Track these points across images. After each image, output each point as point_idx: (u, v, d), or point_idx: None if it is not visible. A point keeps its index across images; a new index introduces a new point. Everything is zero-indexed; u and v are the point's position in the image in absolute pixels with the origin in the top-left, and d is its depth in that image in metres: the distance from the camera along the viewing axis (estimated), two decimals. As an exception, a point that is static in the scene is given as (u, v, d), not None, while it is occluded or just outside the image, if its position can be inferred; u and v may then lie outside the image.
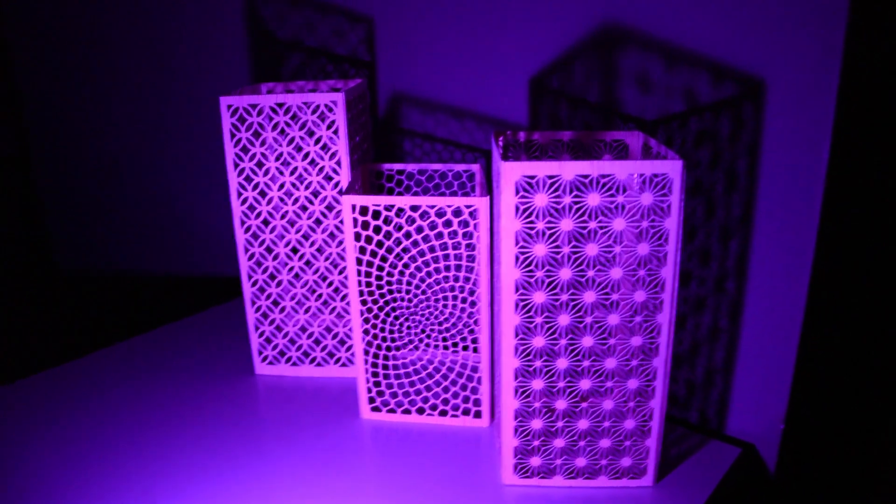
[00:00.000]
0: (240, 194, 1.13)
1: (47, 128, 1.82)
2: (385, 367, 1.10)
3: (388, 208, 0.98)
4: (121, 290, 1.74)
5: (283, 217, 1.14)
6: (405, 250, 1.02)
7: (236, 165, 1.12)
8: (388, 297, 1.05)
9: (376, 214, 0.99)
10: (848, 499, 1.11)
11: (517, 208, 0.81)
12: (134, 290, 1.73)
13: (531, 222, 0.82)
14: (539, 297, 0.85)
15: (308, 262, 1.18)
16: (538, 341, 0.87)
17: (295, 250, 1.17)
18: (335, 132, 1.09)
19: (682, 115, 1.00)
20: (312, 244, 1.15)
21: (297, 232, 1.15)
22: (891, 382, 1.05)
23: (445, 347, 1.07)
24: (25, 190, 1.84)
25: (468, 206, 0.96)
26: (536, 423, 0.91)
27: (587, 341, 0.86)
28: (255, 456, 1.01)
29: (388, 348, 1.08)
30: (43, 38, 1.74)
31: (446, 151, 1.28)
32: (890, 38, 0.94)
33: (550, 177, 0.80)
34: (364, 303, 1.03)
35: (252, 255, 1.16)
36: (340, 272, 1.17)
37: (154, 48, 1.62)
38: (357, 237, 0.99)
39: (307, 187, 1.12)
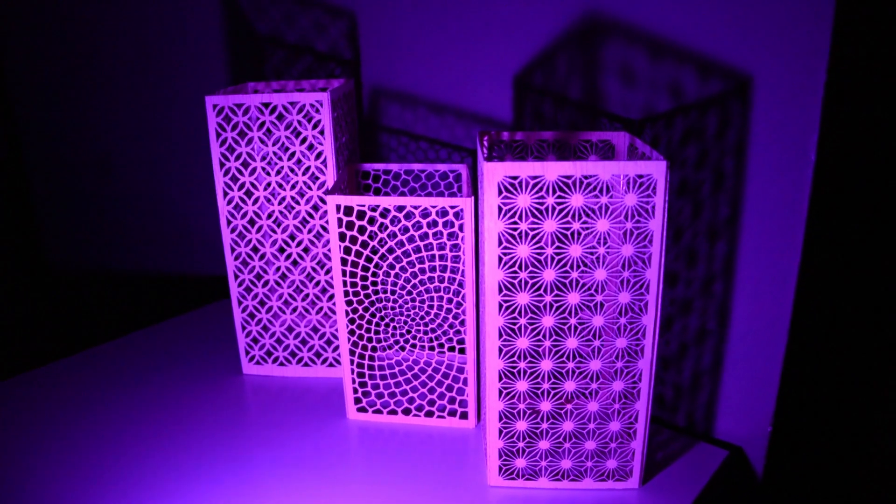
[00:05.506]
0: (226, 194, 1.12)
1: (38, 128, 1.82)
2: (371, 367, 1.10)
3: (374, 209, 0.97)
4: (110, 289, 1.73)
5: (269, 217, 1.13)
6: (390, 251, 1.01)
7: (222, 165, 1.11)
8: (374, 298, 1.05)
9: (361, 215, 0.98)
10: (836, 501, 1.11)
11: (500, 209, 0.81)
12: (123, 288, 1.73)
13: (514, 223, 0.81)
14: (523, 299, 0.84)
15: (295, 262, 1.17)
16: (522, 343, 0.86)
17: (282, 250, 1.16)
18: (321, 132, 1.08)
19: (668, 114, 0.99)
20: (299, 244, 1.15)
21: (284, 232, 1.14)
22: (879, 384, 1.05)
23: (431, 348, 1.07)
24: (16, 189, 1.84)
25: (453, 207, 0.95)
26: (521, 425, 0.90)
27: (571, 343, 0.86)
28: (242, 456, 1.00)
29: (374, 349, 1.08)
30: (32, 42, 1.74)
31: (432, 150, 1.27)
32: (877, 37, 0.93)
33: (533, 177, 0.79)
34: (350, 303, 1.02)
35: (238, 255, 1.16)
36: (327, 272, 1.16)
37: (140, 47, 1.62)
38: (342, 237, 0.99)
39: (293, 187, 1.12)
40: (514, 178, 0.80)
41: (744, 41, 0.91)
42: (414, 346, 1.06)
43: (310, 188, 1.12)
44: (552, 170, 0.79)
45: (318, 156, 1.10)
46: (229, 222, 1.14)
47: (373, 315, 1.05)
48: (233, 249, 1.15)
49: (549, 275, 0.83)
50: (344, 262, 1.00)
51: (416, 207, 0.96)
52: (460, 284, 1.00)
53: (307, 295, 1.18)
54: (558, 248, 0.82)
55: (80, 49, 1.69)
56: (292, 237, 1.15)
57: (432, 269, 1.01)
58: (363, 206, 0.97)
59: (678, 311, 1.05)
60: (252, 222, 1.15)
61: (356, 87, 1.33)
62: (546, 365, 0.87)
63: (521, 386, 0.88)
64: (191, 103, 1.56)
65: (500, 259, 0.83)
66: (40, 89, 1.78)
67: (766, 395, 1.00)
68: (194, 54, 1.56)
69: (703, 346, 1.04)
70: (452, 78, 1.20)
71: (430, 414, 1.07)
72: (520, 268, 0.83)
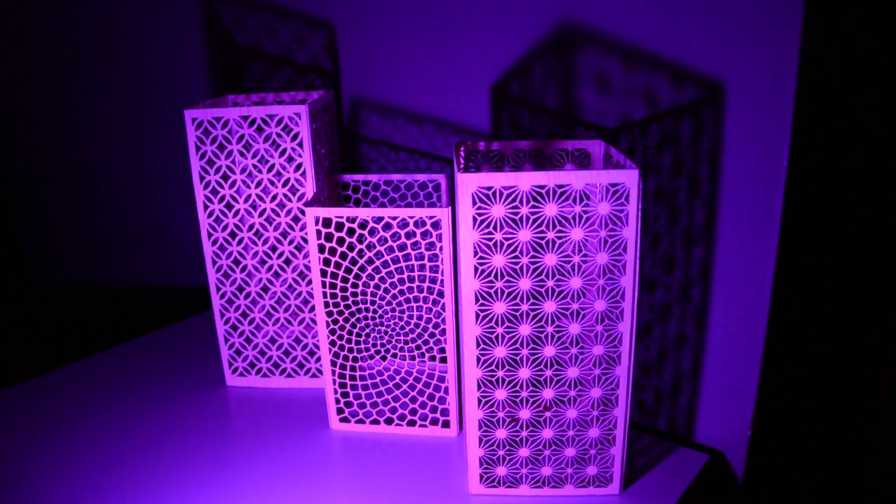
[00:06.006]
0: (206, 207, 1.13)
1: (21, 142, 1.82)
2: (353, 377, 1.10)
3: (352, 220, 0.98)
4: (94, 302, 1.73)
5: (250, 229, 1.14)
6: (370, 261, 1.02)
7: (202, 178, 1.11)
8: (354, 308, 1.05)
9: (340, 226, 0.99)
10: None
11: (475, 219, 0.81)
12: (107, 301, 1.73)
13: (489, 233, 0.82)
14: (499, 308, 0.85)
15: (276, 274, 1.18)
16: (500, 351, 0.87)
17: (263, 262, 1.17)
18: (300, 144, 1.09)
19: (643, 122, 1.00)
20: (280, 256, 1.15)
21: (265, 244, 1.14)
22: (857, 386, 1.06)
23: (413, 358, 1.07)
24: (1, 204, 1.84)
25: (430, 217, 0.96)
26: (501, 433, 0.91)
27: (549, 351, 0.86)
28: (226, 467, 1.01)
29: (356, 359, 1.08)
30: (14, 55, 1.74)
31: (412, 160, 1.28)
32: (845, 43, 0.94)
33: (507, 188, 0.80)
34: (330, 314, 1.03)
35: (220, 268, 1.16)
36: (308, 283, 1.17)
37: (122, 61, 1.62)
38: (321, 249, 0.99)
39: (273, 199, 1.12)
40: (488, 188, 0.80)
41: (715, 49, 0.92)
42: (395, 355, 1.07)
43: (289, 200, 1.12)
44: (525, 180, 0.79)
45: (298, 167, 1.10)
46: (210, 235, 1.14)
47: (353, 325, 1.06)
48: (214, 262, 1.16)
49: (525, 284, 0.83)
50: (324, 273, 1.01)
51: (394, 218, 0.97)
52: (440, 294, 1.00)
53: (289, 306, 1.18)
54: (533, 257, 0.82)
55: (63, 62, 1.70)
56: (273, 249, 1.16)
57: (412, 279, 1.02)
58: (342, 217, 0.98)
59: (657, 316, 1.06)
60: (233, 234, 1.15)
61: (336, 99, 1.34)
62: (524, 373, 0.88)
63: (500, 394, 0.89)
64: (173, 116, 1.56)
65: (476, 269, 0.83)
66: (23, 103, 1.78)
67: (746, 399, 1.01)
68: (176, 67, 1.56)
69: (683, 352, 1.04)
70: (431, 88, 1.21)
71: (412, 423, 1.07)
72: (496, 277, 0.84)
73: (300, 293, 1.18)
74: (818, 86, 0.92)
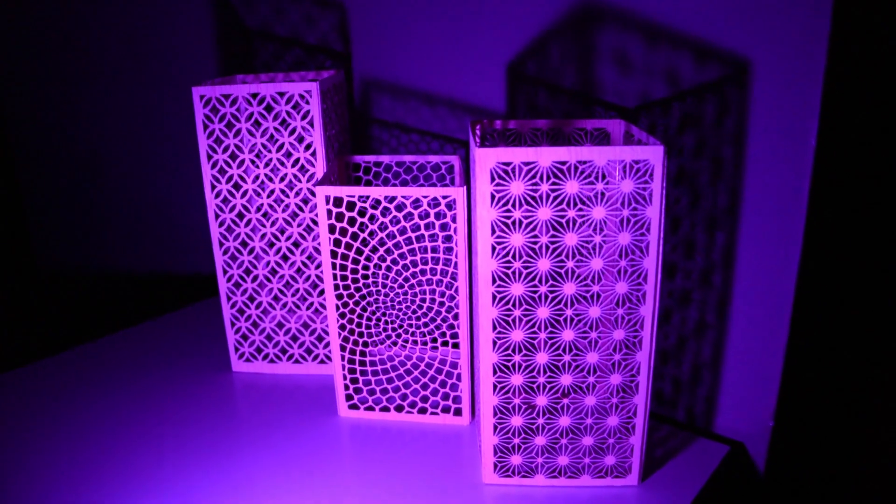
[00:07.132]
0: (213, 187, 1.10)
1: (25, 126, 1.80)
2: (363, 363, 1.08)
3: (364, 200, 0.95)
4: (99, 287, 1.71)
5: (258, 210, 1.11)
6: (382, 243, 0.99)
7: (209, 157, 1.09)
8: (365, 292, 1.02)
9: (351, 206, 0.96)
10: (839, 497, 1.08)
11: (493, 196, 0.78)
12: (112, 286, 1.71)
13: (508, 211, 0.79)
14: (517, 289, 0.82)
15: (284, 257, 1.15)
16: (517, 335, 0.84)
17: (271, 244, 1.14)
18: (310, 123, 1.06)
19: (664, 102, 0.97)
20: (288, 238, 1.12)
21: (273, 225, 1.11)
22: (883, 377, 1.03)
23: (424, 343, 1.04)
24: (4, 187, 1.82)
25: (445, 197, 0.93)
26: (516, 420, 0.88)
27: (568, 335, 0.83)
28: (232, 454, 0.98)
29: (366, 344, 1.05)
30: (18, 37, 1.72)
31: (424, 142, 1.25)
32: (877, 20, 0.91)
33: (526, 163, 0.77)
34: (340, 297, 1.00)
35: (227, 250, 1.13)
36: (317, 266, 1.14)
37: (129, 42, 1.60)
38: (332, 230, 0.96)
39: (282, 179, 1.09)
40: (507, 164, 0.77)
41: (742, 25, 0.89)
42: (406, 341, 1.04)
43: (299, 180, 1.09)
44: (546, 156, 0.76)
45: (308, 147, 1.07)
46: (217, 216, 1.12)
47: (364, 309, 1.03)
48: (221, 244, 1.13)
49: (544, 264, 0.80)
50: (334, 255, 0.98)
51: (407, 198, 0.94)
52: (453, 277, 0.98)
53: (297, 290, 1.16)
54: (553, 236, 0.79)
55: (68, 44, 1.67)
56: (282, 231, 1.13)
57: (425, 262, 0.99)
58: (353, 197, 0.95)
59: (677, 303, 1.03)
60: (241, 216, 1.12)
61: (347, 80, 1.31)
62: (541, 358, 0.85)
63: (516, 380, 0.86)
64: (180, 99, 1.54)
65: (494, 248, 0.80)
66: (27, 86, 1.76)
67: (768, 390, 0.98)
68: (184, 49, 1.54)
69: (703, 339, 1.01)
70: (444, 68, 1.18)
71: (423, 411, 1.05)
72: (514, 257, 0.81)
73: (309, 276, 1.15)
74: (849, 63, 0.89)
